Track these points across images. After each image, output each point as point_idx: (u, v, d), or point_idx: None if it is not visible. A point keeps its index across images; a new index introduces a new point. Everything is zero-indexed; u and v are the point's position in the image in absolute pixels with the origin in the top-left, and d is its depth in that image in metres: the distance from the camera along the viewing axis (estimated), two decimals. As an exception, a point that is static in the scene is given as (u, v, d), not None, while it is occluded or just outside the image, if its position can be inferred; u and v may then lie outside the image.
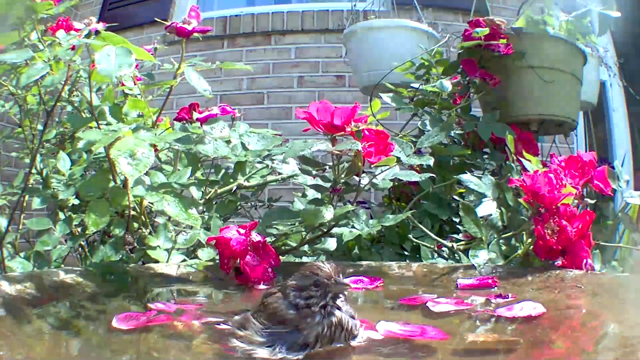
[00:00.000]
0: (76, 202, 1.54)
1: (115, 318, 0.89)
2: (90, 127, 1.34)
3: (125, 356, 0.80)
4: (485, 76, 2.09)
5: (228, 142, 1.54)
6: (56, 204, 1.52)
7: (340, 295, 0.81)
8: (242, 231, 1.23)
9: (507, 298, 1.05)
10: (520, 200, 1.37)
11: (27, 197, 1.55)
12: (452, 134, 2.01)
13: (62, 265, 1.42)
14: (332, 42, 3.99)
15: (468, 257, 1.33)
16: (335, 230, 1.43)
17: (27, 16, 1.38)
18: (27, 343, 0.81)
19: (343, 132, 1.32)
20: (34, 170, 1.56)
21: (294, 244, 1.49)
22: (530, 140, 2.05)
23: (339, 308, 0.80)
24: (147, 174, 1.29)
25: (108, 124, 1.34)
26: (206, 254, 1.33)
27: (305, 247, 1.52)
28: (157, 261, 1.29)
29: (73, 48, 1.27)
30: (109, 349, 0.82)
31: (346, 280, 0.81)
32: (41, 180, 1.59)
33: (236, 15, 4.25)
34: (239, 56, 4.14)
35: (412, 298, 1.07)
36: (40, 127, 1.66)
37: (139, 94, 1.52)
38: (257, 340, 0.78)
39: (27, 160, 1.67)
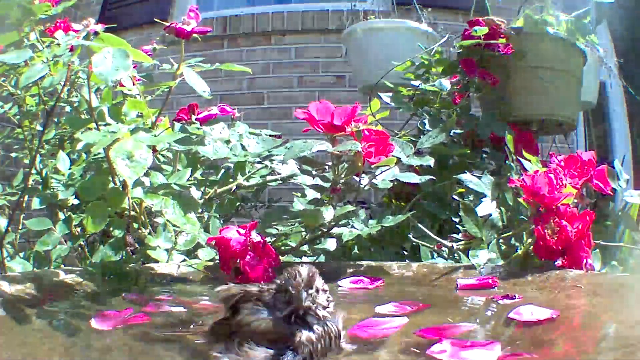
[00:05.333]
0: (76, 202, 1.54)
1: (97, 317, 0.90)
2: (90, 128, 1.34)
3: (124, 355, 0.80)
4: (485, 75, 2.09)
5: (228, 142, 1.54)
6: (56, 204, 1.52)
7: (310, 311, 0.75)
8: (242, 231, 1.23)
9: (515, 299, 1.04)
10: (520, 200, 1.37)
11: (26, 197, 1.55)
12: (452, 134, 2.02)
13: (62, 265, 1.42)
14: (332, 42, 3.99)
15: (468, 257, 1.33)
16: (335, 230, 1.43)
17: (25, 17, 1.38)
18: (27, 343, 0.81)
19: (343, 133, 1.32)
20: (33, 171, 1.56)
21: (294, 244, 1.49)
22: (530, 140, 2.05)
23: (310, 322, 0.75)
24: (146, 174, 1.29)
25: (107, 124, 1.34)
26: (206, 254, 1.33)
27: (305, 247, 1.52)
28: (157, 261, 1.29)
29: (72, 49, 1.27)
30: (108, 348, 0.83)
31: (310, 301, 0.75)
32: (41, 181, 1.59)
33: (236, 15, 4.24)
34: (239, 56, 4.14)
35: (438, 328, 0.88)
36: (39, 127, 1.65)
37: (137, 95, 1.51)
38: None
39: (27, 161, 1.67)
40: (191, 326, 0.90)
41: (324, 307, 0.77)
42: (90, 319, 0.91)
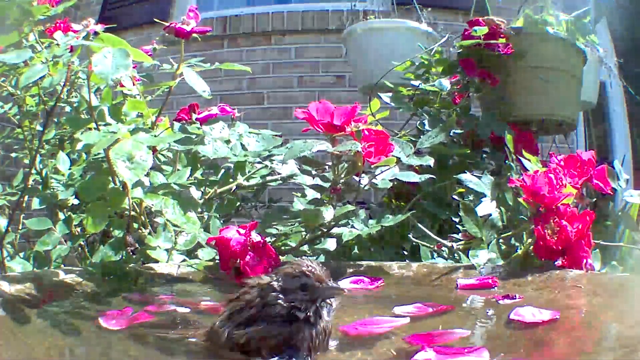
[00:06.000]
0: (76, 202, 1.54)
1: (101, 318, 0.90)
2: (90, 129, 1.34)
3: (124, 355, 0.80)
4: (485, 75, 2.09)
5: (228, 142, 1.54)
6: (56, 204, 1.52)
7: (329, 302, 0.76)
8: (242, 231, 1.23)
9: (515, 299, 1.04)
10: (520, 200, 1.36)
11: (26, 197, 1.55)
12: (452, 134, 2.01)
13: (62, 265, 1.42)
14: (332, 42, 3.99)
15: (468, 257, 1.33)
16: (335, 230, 1.43)
17: (24, 18, 1.38)
18: (27, 343, 0.81)
19: (343, 133, 1.32)
20: (33, 171, 1.56)
21: (294, 244, 1.49)
22: (530, 140, 2.05)
23: (321, 316, 0.75)
24: (146, 174, 1.29)
25: (107, 124, 1.34)
26: (206, 254, 1.33)
27: (305, 247, 1.52)
28: (157, 261, 1.29)
29: (71, 49, 1.27)
30: (108, 348, 0.83)
31: (338, 284, 0.77)
32: (41, 181, 1.59)
33: (236, 15, 4.25)
34: (239, 56, 4.14)
35: (430, 334, 0.83)
36: (39, 127, 1.65)
37: (137, 95, 1.51)
38: None
39: (27, 161, 1.67)
40: (189, 326, 0.90)
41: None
42: (91, 319, 0.91)
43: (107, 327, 0.87)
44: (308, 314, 0.74)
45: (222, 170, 1.66)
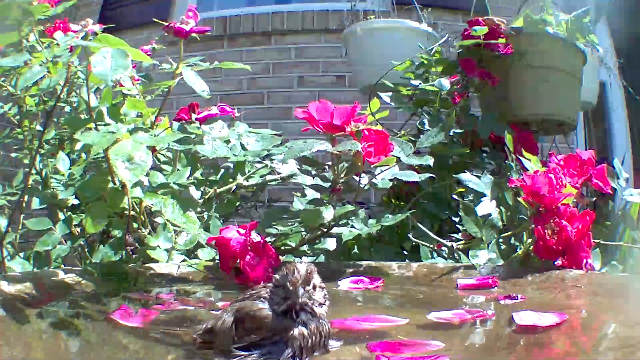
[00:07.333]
0: (76, 202, 1.54)
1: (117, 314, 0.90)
2: (89, 129, 1.34)
3: (124, 355, 0.80)
4: (484, 75, 2.09)
5: (227, 141, 1.54)
6: (56, 204, 1.52)
7: (306, 307, 0.76)
8: (242, 231, 1.23)
9: (516, 299, 1.04)
10: (520, 200, 1.36)
11: (26, 197, 1.55)
12: (451, 133, 2.01)
13: (62, 265, 1.42)
14: (332, 42, 3.99)
15: (468, 257, 1.33)
16: (335, 230, 1.43)
17: (24, 18, 1.38)
18: (27, 343, 0.81)
19: (343, 132, 1.32)
20: (33, 171, 1.55)
21: (294, 244, 1.49)
22: (530, 140, 2.05)
23: (304, 318, 0.76)
24: (146, 174, 1.28)
25: (106, 124, 1.34)
26: (206, 254, 1.33)
27: (305, 247, 1.52)
28: (157, 261, 1.29)
29: (71, 49, 1.27)
30: (107, 348, 0.83)
31: (307, 297, 0.76)
32: (41, 181, 1.59)
33: (236, 15, 4.24)
34: (238, 56, 4.14)
35: (399, 344, 0.80)
36: (39, 127, 1.65)
37: (137, 94, 1.51)
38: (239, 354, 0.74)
39: (27, 161, 1.67)
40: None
41: (320, 304, 0.78)
42: (91, 319, 0.91)
43: (124, 324, 0.88)
44: (281, 308, 0.76)
45: (222, 170, 1.66)
